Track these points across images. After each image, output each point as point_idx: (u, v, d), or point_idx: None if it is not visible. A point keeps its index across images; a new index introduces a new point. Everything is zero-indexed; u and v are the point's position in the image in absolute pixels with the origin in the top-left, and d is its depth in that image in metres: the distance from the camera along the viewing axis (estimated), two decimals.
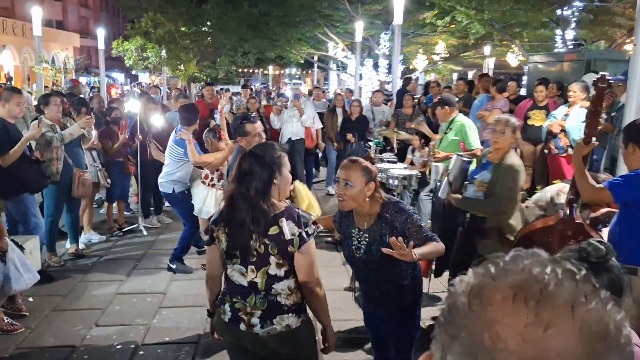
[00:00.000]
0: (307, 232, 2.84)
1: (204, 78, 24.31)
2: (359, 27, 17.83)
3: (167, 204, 9.46)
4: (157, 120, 8.28)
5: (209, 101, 11.28)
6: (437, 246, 3.19)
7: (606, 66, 9.76)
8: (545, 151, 8.15)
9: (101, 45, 19.07)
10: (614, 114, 8.03)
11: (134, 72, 38.81)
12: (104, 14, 50.21)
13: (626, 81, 5.86)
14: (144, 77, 40.06)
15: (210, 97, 11.60)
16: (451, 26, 18.99)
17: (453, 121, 6.69)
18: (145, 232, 8.14)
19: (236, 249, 2.90)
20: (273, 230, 2.82)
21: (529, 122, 8.62)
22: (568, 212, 4.12)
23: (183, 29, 21.41)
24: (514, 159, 4.77)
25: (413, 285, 3.45)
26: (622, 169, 4.60)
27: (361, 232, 3.32)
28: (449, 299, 0.77)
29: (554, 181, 6.11)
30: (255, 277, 2.87)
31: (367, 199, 3.24)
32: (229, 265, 2.98)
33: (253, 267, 2.87)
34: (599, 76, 3.92)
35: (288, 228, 2.81)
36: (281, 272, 2.86)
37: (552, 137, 7.89)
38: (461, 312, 0.73)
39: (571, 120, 7.46)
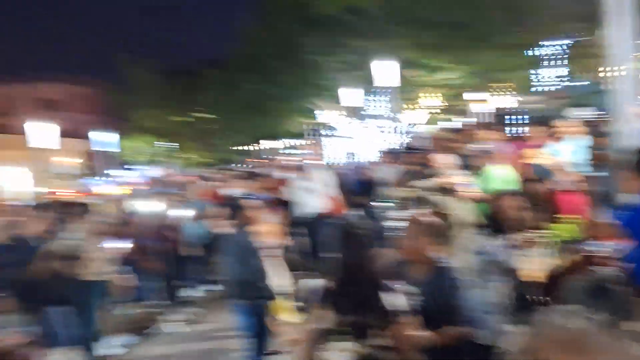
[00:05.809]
0: None
1: (205, 163, 24.58)
2: (345, 93, 18.46)
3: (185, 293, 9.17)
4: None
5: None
6: None
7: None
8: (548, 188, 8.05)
9: (104, 147, 19.50)
10: None
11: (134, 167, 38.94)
12: (104, 117, 50.60)
13: None
14: (156, 172, 40.02)
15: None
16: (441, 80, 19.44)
17: None
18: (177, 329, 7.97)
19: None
20: None
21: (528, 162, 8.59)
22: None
23: (177, 118, 21.91)
24: None
25: None
26: None
27: None
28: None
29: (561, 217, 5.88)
30: None
31: None
32: None
33: None
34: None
35: None
36: None
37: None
38: None
39: (563, 154, 7.28)
